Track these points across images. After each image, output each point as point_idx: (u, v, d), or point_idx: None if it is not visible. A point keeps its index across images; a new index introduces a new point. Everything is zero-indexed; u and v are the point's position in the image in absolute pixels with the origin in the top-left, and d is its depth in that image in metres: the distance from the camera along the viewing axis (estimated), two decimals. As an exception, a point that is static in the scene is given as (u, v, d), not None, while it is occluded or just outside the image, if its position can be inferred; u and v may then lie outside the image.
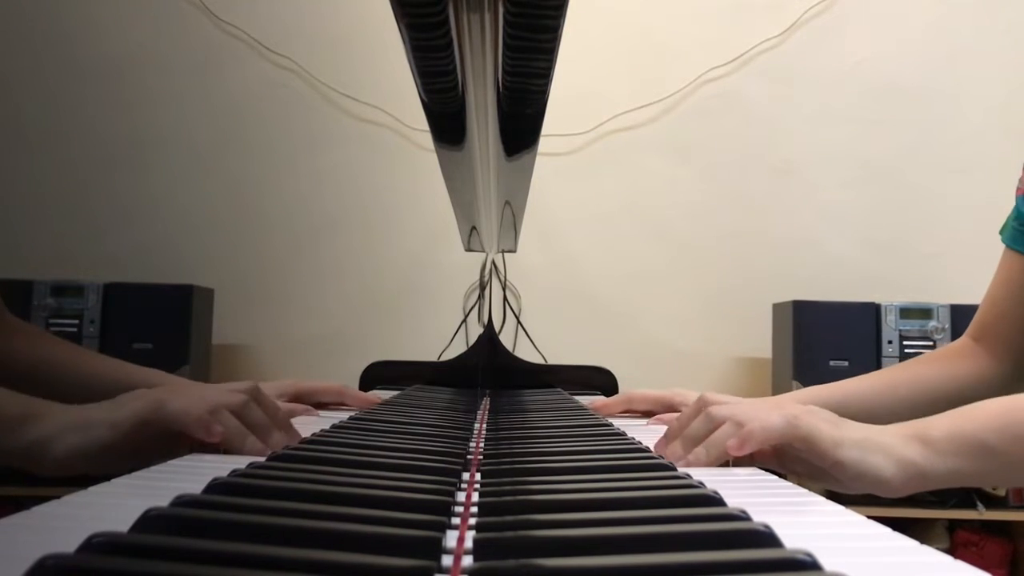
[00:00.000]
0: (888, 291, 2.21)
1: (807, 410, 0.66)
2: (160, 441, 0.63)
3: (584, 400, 1.20)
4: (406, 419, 0.82)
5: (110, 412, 0.62)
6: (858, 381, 1.05)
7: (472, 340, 2.24)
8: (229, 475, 0.46)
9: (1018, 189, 1.01)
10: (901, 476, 0.62)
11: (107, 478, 0.51)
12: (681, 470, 0.55)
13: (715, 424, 0.66)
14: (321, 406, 1.06)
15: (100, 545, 0.31)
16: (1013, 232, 1.01)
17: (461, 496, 0.47)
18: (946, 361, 1.04)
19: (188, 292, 2.08)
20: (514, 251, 1.81)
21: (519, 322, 2.39)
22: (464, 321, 2.36)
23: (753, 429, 0.63)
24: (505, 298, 2.38)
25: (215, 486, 0.43)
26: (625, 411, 1.09)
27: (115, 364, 1.01)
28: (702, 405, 0.69)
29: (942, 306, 2.08)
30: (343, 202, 2.44)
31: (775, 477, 0.60)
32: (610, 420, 0.92)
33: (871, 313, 2.09)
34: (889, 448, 0.63)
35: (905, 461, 0.62)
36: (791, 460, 0.67)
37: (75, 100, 2.44)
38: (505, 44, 0.56)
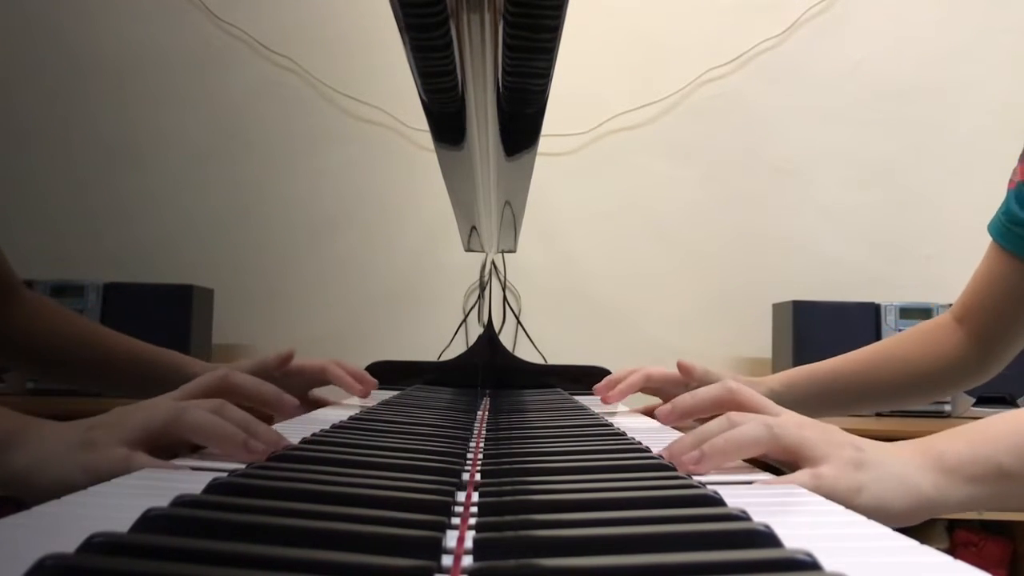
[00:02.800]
0: (888, 291, 2.21)
1: (831, 454, 0.60)
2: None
3: (585, 399, 1.20)
4: (406, 419, 0.82)
5: (84, 450, 0.59)
6: (844, 360, 1.08)
7: (472, 340, 2.24)
8: (229, 475, 0.46)
9: (1010, 183, 1.02)
10: (910, 507, 0.59)
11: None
12: (681, 470, 0.55)
13: (734, 422, 0.63)
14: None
15: (100, 545, 0.31)
16: (1000, 226, 1.01)
17: (461, 496, 0.47)
18: (929, 340, 1.08)
19: (188, 292, 2.07)
20: (514, 251, 1.81)
21: (519, 322, 2.39)
22: (464, 321, 2.36)
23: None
24: (505, 298, 2.38)
25: (215, 486, 0.43)
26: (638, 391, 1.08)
27: (134, 343, 1.01)
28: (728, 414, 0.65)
29: (942, 306, 2.07)
30: (343, 202, 2.44)
31: (775, 477, 0.60)
32: (610, 421, 0.92)
33: (871, 313, 2.09)
34: (904, 478, 0.59)
35: (920, 494, 0.59)
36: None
37: (75, 100, 2.44)
38: (505, 44, 0.56)
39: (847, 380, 1.07)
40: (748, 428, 0.61)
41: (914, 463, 0.60)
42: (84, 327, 1.04)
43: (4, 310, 0.99)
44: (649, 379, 1.07)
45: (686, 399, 0.73)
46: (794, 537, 0.35)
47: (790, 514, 0.47)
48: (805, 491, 0.54)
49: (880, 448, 0.61)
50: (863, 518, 0.44)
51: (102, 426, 0.60)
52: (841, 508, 0.48)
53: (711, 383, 0.98)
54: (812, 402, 1.06)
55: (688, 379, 1.04)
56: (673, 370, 1.07)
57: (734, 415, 0.64)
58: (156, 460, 0.58)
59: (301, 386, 1.05)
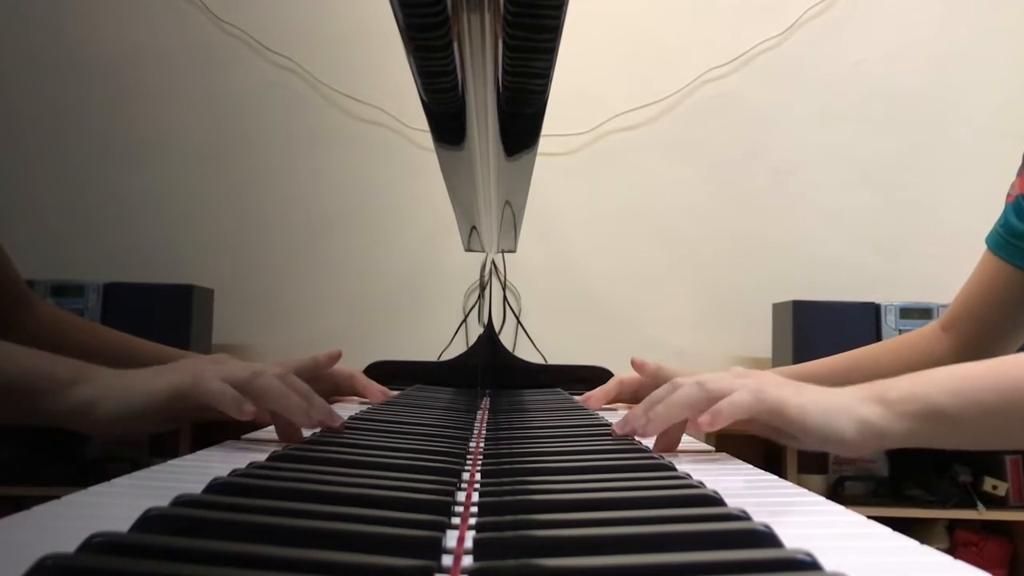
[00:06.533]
0: (888, 291, 2.21)
1: (769, 380, 0.68)
2: (193, 412, 0.66)
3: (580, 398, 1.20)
4: (406, 419, 0.82)
5: (149, 380, 0.65)
6: (819, 363, 1.09)
7: (472, 340, 2.24)
8: (229, 475, 0.46)
9: (1008, 196, 1.02)
10: (861, 436, 0.64)
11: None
12: (681, 469, 0.55)
13: (676, 387, 0.69)
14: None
15: (100, 545, 0.31)
16: (997, 238, 1.02)
17: (461, 496, 0.47)
18: (910, 347, 1.09)
19: (188, 292, 2.08)
20: (514, 251, 1.81)
21: (519, 322, 2.39)
22: (464, 321, 2.36)
23: (721, 407, 0.65)
24: (505, 298, 2.38)
25: (215, 486, 0.43)
26: (615, 399, 1.10)
27: (162, 348, 1.02)
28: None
29: (942, 306, 2.07)
30: (343, 202, 2.44)
31: (775, 477, 0.60)
32: (610, 420, 0.92)
33: (871, 313, 2.09)
34: (849, 409, 0.65)
35: (865, 421, 0.64)
36: (755, 425, 0.69)
37: (75, 100, 2.44)
38: (505, 44, 0.56)
39: (820, 383, 1.07)
40: (683, 391, 0.67)
41: (856, 396, 0.66)
42: (109, 336, 1.04)
43: (18, 321, 0.99)
44: (622, 384, 1.10)
45: (659, 411, 0.69)
46: (794, 537, 0.35)
47: (790, 514, 0.47)
48: (805, 491, 0.54)
49: (817, 387, 0.68)
50: (863, 518, 0.44)
51: (172, 364, 0.66)
52: (841, 508, 0.48)
53: (665, 379, 1.02)
54: None
55: (643, 375, 1.07)
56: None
57: (678, 379, 0.70)
58: (227, 387, 0.63)
59: (328, 390, 1.07)
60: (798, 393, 0.66)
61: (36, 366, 0.64)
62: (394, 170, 2.44)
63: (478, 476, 0.54)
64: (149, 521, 0.35)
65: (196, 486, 0.42)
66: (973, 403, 0.65)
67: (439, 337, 2.26)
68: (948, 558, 0.36)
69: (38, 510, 0.41)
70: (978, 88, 2.45)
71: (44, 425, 0.65)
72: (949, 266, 2.38)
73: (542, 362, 2.02)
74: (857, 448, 0.65)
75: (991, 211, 1.06)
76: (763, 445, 2.11)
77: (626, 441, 0.70)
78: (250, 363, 0.71)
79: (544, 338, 2.32)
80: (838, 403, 0.65)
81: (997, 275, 1.02)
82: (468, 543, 0.36)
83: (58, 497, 0.43)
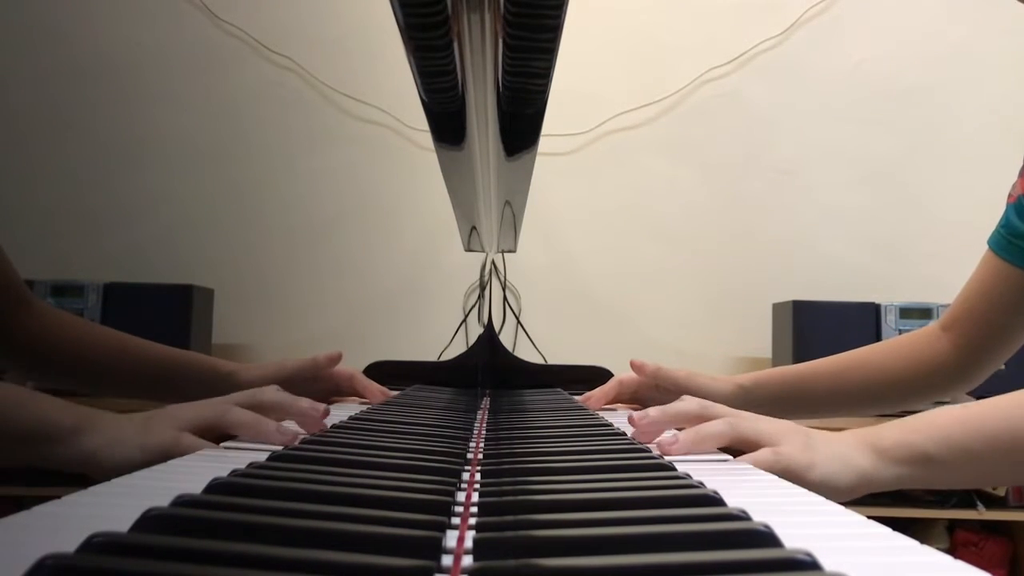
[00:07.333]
0: (888, 291, 2.21)
1: (788, 431, 0.70)
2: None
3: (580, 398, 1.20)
4: (406, 419, 0.82)
5: (142, 434, 0.68)
6: (816, 364, 1.10)
7: (472, 340, 2.24)
8: (229, 475, 0.46)
9: (1009, 197, 1.03)
10: (852, 483, 0.68)
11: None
12: (681, 469, 0.55)
13: (711, 414, 0.71)
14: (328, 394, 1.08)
15: (100, 545, 0.31)
16: (999, 238, 1.02)
17: (461, 496, 0.47)
18: (909, 348, 1.09)
19: (188, 292, 2.07)
20: (514, 251, 1.81)
21: (519, 322, 2.39)
22: (464, 321, 2.36)
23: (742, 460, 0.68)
24: (505, 298, 2.38)
25: (215, 486, 0.43)
26: (615, 399, 1.10)
27: (163, 348, 1.03)
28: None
29: (942, 306, 2.07)
30: (343, 202, 2.44)
31: (774, 476, 0.60)
32: (610, 420, 0.92)
33: (871, 313, 2.09)
34: (849, 461, 0.68)
35: (857, 469, 0.68)
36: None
37: (74, 100, 2.44)
38: (505, 44, 0.56)
39: (815, 383, 1.08)
40: (714, 424, 0.70)
41: (853, 445, 0.70)
42: (107, 335, 1.04)
43: (17, 321, 0.99)
44: (621, 384, 1.10)
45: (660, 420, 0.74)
46: (794, 537, 0.35)
47: (791, 514, 0.47)
48: (805, 491, 0.54)
49: (824, 434, 0.71)
50: (863, 518, 0.44)
51: (158, 415, 0.69)
52: (841, 508, 0.48)
53: (664, 379, 1.04)
54: (780, 403, 1.06)
55: (642, 376, 1.07)
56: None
57: (713, 408, 0.73)
58: (201, 440, 0.67)
59: (328, 391, 1.07)
60: (806, 450, 0.68)
61: (42, 413, 0.67)
62: (394, 170, 2.44)
63: (478, 476, 0.54)
64: (149, 521, 0.35)
65: (196, 486, 0.42)
66: (960, 450, 0.69)
67: (439, 337, 2.26)
68: (948, 558, 0.36)
69: (38, 510, 0.41)
70: (978, 88, 2.45)
71: (49, 469, 0.68)
72: (949, 266, 2.38)
73: (542, 362, 2.02)
74: (848, 495, 0.68)
75: (991, 211, 1.06)
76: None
77: (626, 441, 0.70)
78: (222, 398, 0.73)
79: (544, 338, 2.32)
80: (837, 453, 0.68)
81: (998, 275, 1.02)
82: (468, 543, 0.36)
83: (58, 497, 0.43)
